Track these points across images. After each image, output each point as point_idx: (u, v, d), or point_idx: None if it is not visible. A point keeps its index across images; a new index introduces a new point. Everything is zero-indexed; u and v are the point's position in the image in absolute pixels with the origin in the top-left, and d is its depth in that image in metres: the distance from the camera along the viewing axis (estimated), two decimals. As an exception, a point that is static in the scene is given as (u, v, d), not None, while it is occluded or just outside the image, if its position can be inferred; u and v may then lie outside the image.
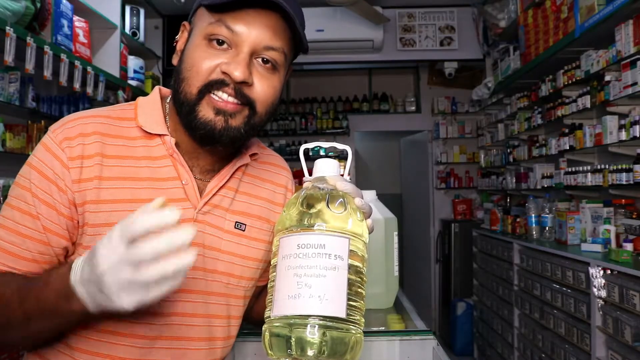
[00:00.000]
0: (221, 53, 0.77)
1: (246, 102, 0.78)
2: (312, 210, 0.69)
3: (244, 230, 0.89)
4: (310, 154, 4.85)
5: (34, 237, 0.77)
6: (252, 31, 0.76)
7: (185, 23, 0.85)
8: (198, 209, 0.84)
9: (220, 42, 0.77)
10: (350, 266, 0.67)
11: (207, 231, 0.85)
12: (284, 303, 0.65)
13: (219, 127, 0.78)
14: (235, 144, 0.82)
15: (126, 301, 0.60)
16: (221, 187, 0.87)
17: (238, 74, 0.75)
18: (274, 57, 0.79)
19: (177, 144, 0.84)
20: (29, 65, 2.27)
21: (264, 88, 0.79)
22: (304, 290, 0.64)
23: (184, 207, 0.83)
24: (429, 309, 5.26)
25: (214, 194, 0.86)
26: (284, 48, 0.79)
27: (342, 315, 0.65)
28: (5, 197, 2.44)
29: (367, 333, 1.26)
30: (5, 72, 2.39)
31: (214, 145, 0.81)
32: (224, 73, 0.76)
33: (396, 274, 1.68)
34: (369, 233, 0.74)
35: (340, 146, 0.82)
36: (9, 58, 2.13)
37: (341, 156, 5.25)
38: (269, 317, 0.68)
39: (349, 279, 0.67)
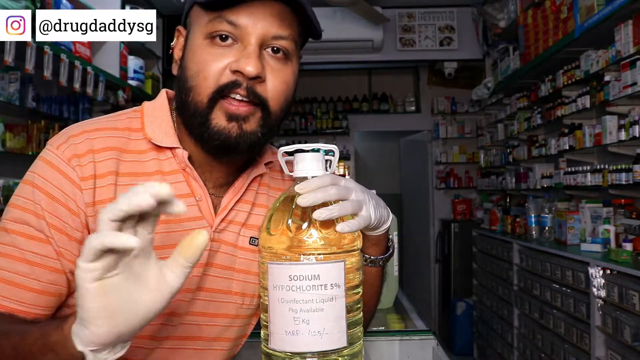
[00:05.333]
0: (227, 50, 0.70)
1: (258, 102, 0.71)
2: (301, 236, 0.64)
3: (257, 246, 0.82)
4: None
5: (45, 264, 0.68)
6: (257, 21, 0.69)
7: (180, 28, 0.78)
8: (214, 227, 0.77)
9: (224, 38, 0.70)
10: (347, 289, 0.64)
11: (221, 249, 0.79)
12: (281, 338, 0.63)
13: (234, 134, 0.71)
14: (255, 149, 0.75)
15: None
16: (237, 202, 0.80)
17: (251, 68, 0.68)
18: (285, 46, 0.72)
19: (189, 157, 0.76)
20: (29, 65, 2.27)
21: (276, 84, 0.72)
22: (302, 327, 0.62)
23: (200, 226, 0.76)
24: (429, 309, 5.25)
25: (230, 210, 0.79)
26: (293, 35, 0.72)
27: (344, 344, 0.64)
28: (5, 197, 2.45)
29: (366, 333, 1.26)
30: (5, 72, 2.39)
31: (230, 156, 0.74)
32: (234, 72, 0.70)
33: (396, 273, 1.68)
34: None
35: (326, 146, 0.74)
36: (9, 58, 2.12)
37: (341, 156, 5.26)
38: (267, 344, 0.65)
39: (347, 305, 0.64)
